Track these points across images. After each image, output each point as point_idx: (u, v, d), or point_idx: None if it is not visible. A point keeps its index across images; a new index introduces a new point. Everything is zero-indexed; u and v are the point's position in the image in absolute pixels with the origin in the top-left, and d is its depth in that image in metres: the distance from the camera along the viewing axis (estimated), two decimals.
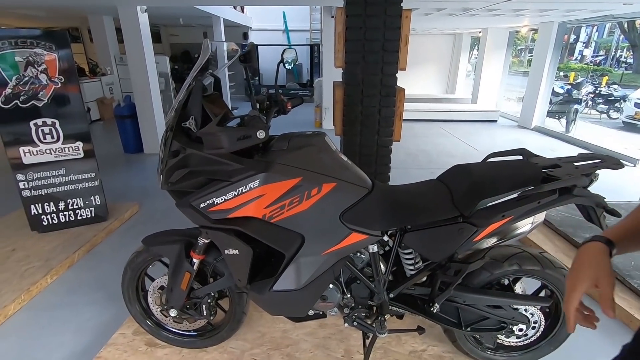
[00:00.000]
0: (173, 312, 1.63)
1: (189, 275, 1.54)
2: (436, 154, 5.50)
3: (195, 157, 1.29)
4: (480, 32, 9.27)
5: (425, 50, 10.70)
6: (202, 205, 1.30)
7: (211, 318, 1.70)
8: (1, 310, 2.06)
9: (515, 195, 1.29)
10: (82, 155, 2.93)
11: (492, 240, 1.43)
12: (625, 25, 16.95)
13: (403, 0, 2.50)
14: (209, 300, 1.64)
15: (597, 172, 1.30)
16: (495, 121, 8.13)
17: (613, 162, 1.30)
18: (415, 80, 10.88)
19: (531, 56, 8.18)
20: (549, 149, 5.87)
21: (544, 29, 7.06)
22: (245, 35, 11.27)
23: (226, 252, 1.36)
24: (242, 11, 9.74)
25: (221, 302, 1.77)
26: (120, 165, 4.94)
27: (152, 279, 1.73)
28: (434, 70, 11.10)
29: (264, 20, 11.10)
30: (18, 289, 2.24)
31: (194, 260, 1.53)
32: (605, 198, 1.29)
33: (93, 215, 3.09)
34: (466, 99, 9.83)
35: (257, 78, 10.74)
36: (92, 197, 3.06)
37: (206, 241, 1.48)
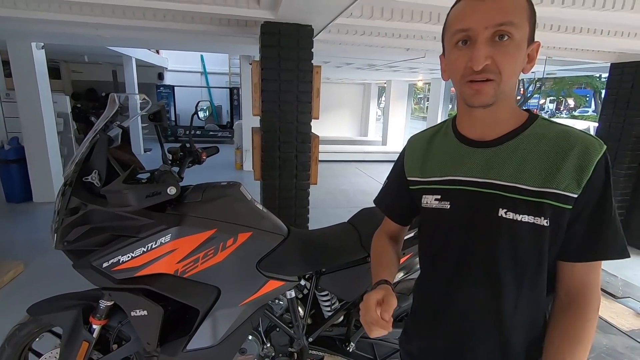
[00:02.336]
0: None
1: (87, 345, 1.37)
2: (353, 192, 5.86)
3: (99, 213, 1.21)
4: (385, 83, 10.47)
5: (341, 96, 11.64)
6: (105, 264, 1.21)
7: None
8: None
9: (412, 234, 1.47)
10: None
11: (400, 275, 1.58)
12: None
13: (313, 57, 2.77)
14: None
15: None
16: None
17: None
18: (333, 123, 11.65)
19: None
20: None
21: (435, 83, 8.33)
22: (161, 76, 10.94)
23: (133, 314, 1.26)
24: (157, 52, 9.51)
25: None
26: (2, 217, 4.21)
27: (39, 355, 1.49)
28: (349, 114, 12.07)
29: (181, 62, 10.95)
30: None
31: (94, 326, 1.37)
32: None
33: None
34: (377, 141, 10.79)
35: (172, 125, 10.36)
36: None
37: (109, 304, 1.35)
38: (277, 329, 1.53)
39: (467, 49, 0.65)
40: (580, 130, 0.68)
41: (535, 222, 0.66)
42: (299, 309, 1.52)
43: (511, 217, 0.67)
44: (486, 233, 0.70)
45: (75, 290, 1.47)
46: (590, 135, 0.68)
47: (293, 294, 1.48)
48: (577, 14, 2.05)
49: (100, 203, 1.20)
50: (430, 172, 0.79)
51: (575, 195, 0.65)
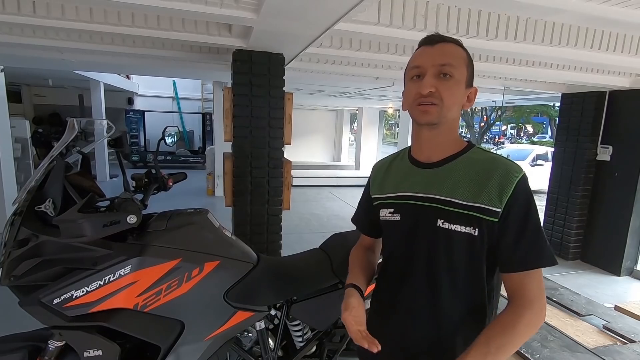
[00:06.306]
0: None
1: None
2: (326, 217, 5.84)
3: (51, 245, 1.13)
4: (357, 109, 10.78)
5: (314, 122, 11.83)
6: (56, 300, 1.12)
7: None
8: None
9: None
10: None
11: None
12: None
13: (285, 84, 2.81)
14: None
15: None
16: None
17: None
18: (307, 148, 11.76)
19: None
20: None
21: None
22: (130, 101, 10.73)
23: (86, 354, 1.16)
24: (127, 77, 9.37)
25: None
26: None
27: None
28: (322, 139, 12.24)
29: (152, 87, 10.80)
30: None
31: None
32: None
33: None
34: (350, 166, 10.95)
35: (141, 151, 10.10)
36: None
37: (59, 344, 1.24)
38: None
39: (418, 81, 0.82)
40: (506, 158, 0.83)
41: (467, 231, 0.79)
42: (269, 340, 1.45)
43: (447, 227, 0.80)
44: (427, 240, 0.83)
45: (20, 331, 1.34)
46: (512, 162, 0.82)
47: (263, 325, 1.42)
48: (527, 48, 2.23)
49: (52, 233, 1.12)
50: (387, 190, 0.93)
51: (499, 210, 0.77)
